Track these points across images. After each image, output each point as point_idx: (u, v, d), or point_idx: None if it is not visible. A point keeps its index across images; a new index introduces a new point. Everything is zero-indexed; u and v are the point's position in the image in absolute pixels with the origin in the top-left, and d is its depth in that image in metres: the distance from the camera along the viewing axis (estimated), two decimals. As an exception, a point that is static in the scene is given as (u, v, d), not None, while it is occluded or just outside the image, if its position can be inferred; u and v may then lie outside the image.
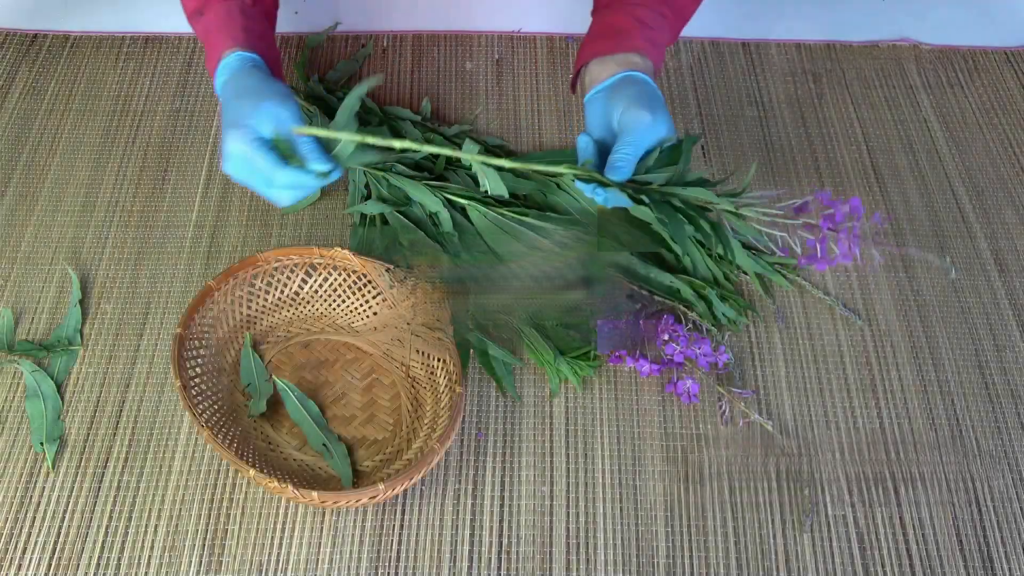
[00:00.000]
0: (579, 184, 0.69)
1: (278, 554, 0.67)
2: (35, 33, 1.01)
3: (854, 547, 0.69)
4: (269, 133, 0.65)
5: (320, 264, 0.77)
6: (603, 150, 0.71)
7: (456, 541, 0.68)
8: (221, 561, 0.66)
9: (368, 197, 0.84)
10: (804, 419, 0.75)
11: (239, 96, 0.68)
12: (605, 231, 0.74)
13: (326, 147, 0.66)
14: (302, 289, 0.78)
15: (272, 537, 0.67)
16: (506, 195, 0.79)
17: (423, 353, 0.74)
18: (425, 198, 0.80)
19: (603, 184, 0.68)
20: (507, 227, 0.79)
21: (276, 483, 0.62)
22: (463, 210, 0.81)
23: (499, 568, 0.67)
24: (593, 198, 0.69)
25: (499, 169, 0.77)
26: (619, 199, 0.68)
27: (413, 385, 0.74)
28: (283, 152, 0.65)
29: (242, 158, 0.65)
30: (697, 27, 1.04)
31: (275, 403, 0.73)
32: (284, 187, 0.66)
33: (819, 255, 0.66)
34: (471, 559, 0.67)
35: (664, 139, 0.69)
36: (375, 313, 0.77)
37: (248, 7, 0.75)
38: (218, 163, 0.89)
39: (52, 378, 0.74)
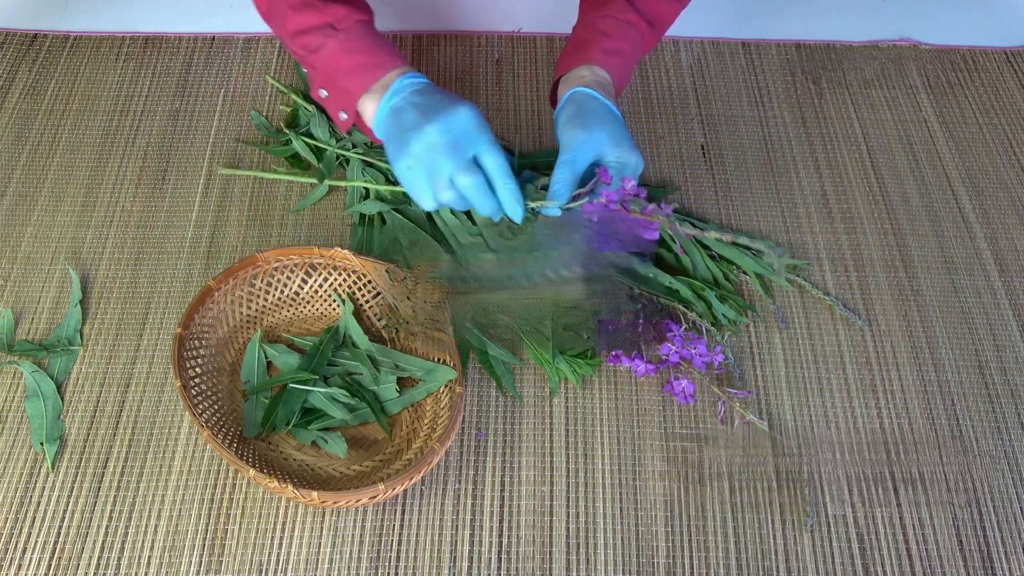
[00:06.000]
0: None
1: (278, 554, 0.67)
2: (35, 33, 1.01)
3: (854, 547, 0.69)
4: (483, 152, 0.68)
5: (320, 264, 0.77)
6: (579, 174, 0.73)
7: (456, 541, 0.68)
8: (221, 561, 0.66)
9: (366, 197, 0.84)
10: (804, 419, 0.75)
11: (452, 100, 0.69)
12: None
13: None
14: (302, 289, 0.78)
15: (272, 537, 0.67)
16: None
17: (423, 353, 0.74)
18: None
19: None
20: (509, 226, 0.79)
21: (276, 483, 0.62)
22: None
23: (499, 568, 0.67)
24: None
25: None
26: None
27: (413, 384, 0.74)
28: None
29: (467, 124, 0.67)
30: (697, 27, 1.04)
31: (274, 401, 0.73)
32: (487, 165, 0.68)
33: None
34: (471, 559, 0.67)
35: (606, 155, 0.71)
36: (375, 313, 0.77)
37: (372, 22, 0.75)
38: (215, 164, 0.89)
39: (52, 378, 0.74)
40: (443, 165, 0.67)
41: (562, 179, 0.70)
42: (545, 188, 0.75)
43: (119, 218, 0.85)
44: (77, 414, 0.73)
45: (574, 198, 0.70)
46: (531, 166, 0.88)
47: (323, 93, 0.75)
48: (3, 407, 0.73)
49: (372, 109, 0.72)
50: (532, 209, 0.72)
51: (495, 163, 0.68)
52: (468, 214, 0.81)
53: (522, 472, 0.71)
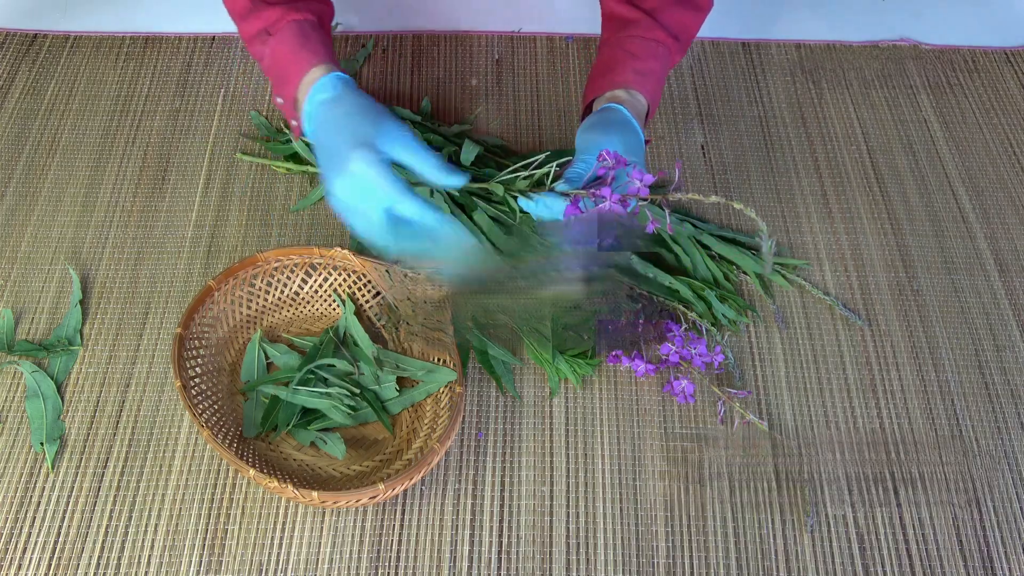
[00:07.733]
0: (520, 201, 0.71)
1: (278, 554, 0.67)
2: (35, 33, 1.01)
3: (854, 547, 0.69)
4: (394, 155, 0.64)
5: (320, 264, 0.77)
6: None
7: (456, 541, 0.68)
8: (221, 561, 0.66)
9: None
10: (804, 419, 0.75)
11: (351, 115, 0.66)
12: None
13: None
14: (302, 289, 0.78)
15: (272, 537, 0.67)
16: None
17: (423, 353, 0.74)
18: (427, 194, 0.80)
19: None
20: (509, 225, 0.79)
21: (276, 483, 0.62)
22: (465, 208, 0.81)
23: (499, 568, 0.67)
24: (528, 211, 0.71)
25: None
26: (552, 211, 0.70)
27: (413, 385, 0.74)
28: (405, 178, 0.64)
29: (366, 181, 0.62)
30: (697, 27, 1.04)
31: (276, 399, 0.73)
32: (407, 214, 0.63)
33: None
34: (471, 559, 0.67)
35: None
36: (375, 313, 0.77)
37: (316, 24, 0.72)
38: (217, 167, 0.89)
39: (52, 378, 0.74)
40: (375, 232, 0.65)
41: (574, 171, 0.69)
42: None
43: (119, 218, 0.85)
44: (77, 414, 0.73)
45: (588, 188, 0.69)
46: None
47: (279, 100, 0.74)
48: (3, 407, 0.73)
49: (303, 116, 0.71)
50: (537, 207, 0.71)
51: (411, 210, 0.63)
52: (470, 216, 0.81)
53: (522, 472, 0.71)
